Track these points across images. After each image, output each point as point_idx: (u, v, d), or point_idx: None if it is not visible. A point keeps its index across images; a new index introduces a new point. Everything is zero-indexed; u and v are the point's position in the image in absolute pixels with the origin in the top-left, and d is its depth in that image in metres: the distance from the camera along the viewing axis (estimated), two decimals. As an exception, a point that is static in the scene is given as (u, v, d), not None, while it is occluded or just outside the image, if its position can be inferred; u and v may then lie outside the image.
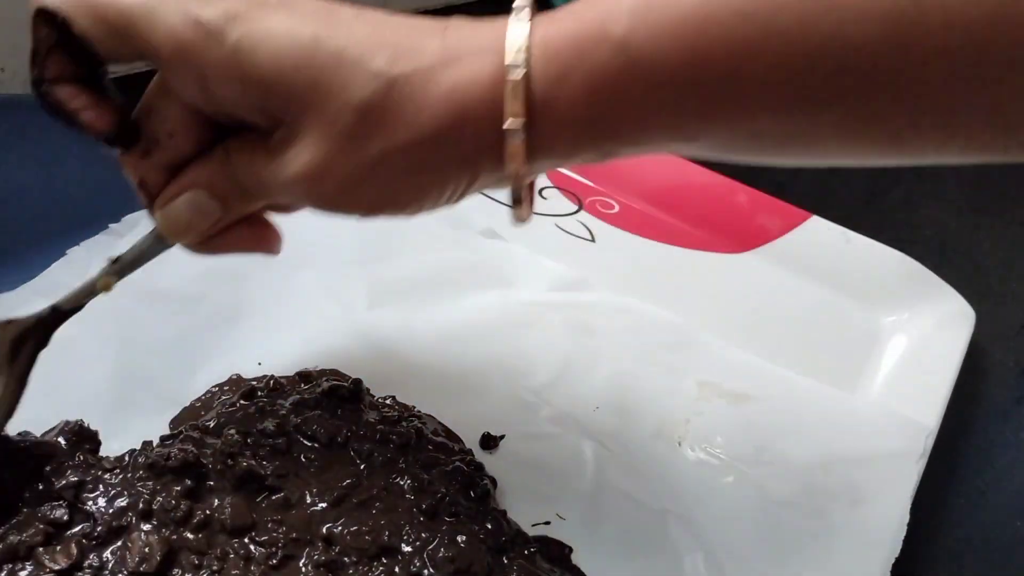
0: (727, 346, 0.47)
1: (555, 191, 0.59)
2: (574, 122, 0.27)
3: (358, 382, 0.39)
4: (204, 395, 0.39)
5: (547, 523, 0.38)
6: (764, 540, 0.38)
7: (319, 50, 0.27)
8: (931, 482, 0.46)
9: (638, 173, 0.60)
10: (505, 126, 0.26)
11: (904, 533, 0.38)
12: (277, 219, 0.34)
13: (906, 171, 0.76)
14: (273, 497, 0.34)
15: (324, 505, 0.35)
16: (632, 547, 0.37)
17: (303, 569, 0.33)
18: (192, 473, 0.34)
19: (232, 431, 0.36)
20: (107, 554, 0.32)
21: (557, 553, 0.36)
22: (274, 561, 0.33)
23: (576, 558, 0.37)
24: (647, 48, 0.26)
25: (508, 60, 0.26)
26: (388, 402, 0.40)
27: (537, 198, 0.58)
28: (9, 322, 0.32)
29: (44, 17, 0.28)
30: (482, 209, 0.52)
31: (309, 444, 0.37)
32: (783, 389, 0.45)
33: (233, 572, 0.32)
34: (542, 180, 0.60)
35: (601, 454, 0.40)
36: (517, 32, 0.27)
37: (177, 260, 0.34)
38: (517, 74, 0.26)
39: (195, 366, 0.41)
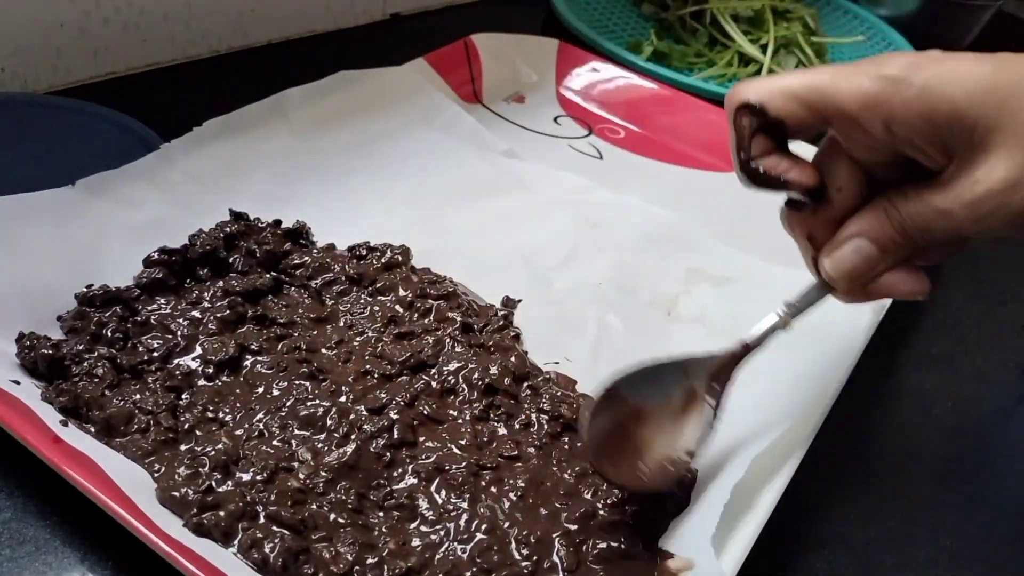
0: (714, 243, 0.59)
1: (568, 119, 0.73)
2: None
3: (406, 250, 0.54)
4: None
5: (556, 363, 0.49)
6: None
7: (1001, 79, 0.33)
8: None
9: (643, 106, 0.75)
10: None
11: (855, 361, 0.48)
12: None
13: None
14: (340, 324, 0.48)
15: (372, 331, 0.48)
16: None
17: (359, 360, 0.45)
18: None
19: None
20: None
21: (566, 383, 0.48)
22: (339, 363, 0.45)
23: (580, 388, 0.48)
24: None
25: None
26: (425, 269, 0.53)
27: (553, 124, 0.72)
28: (710, 356, 0.41)
29: (746, 108, 0.37)
30: (503, 134, 0.67)
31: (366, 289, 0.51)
32: (761, 273, 0.56)
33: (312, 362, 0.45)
34: (556, 109, 0.74)
35: (603, 317, 0.52)
36: None
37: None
38: None
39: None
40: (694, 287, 0.55)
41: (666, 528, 0.40)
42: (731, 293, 0.55)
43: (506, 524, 0.39)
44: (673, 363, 0.41)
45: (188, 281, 0.48)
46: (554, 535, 0.38)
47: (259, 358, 0.45)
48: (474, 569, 0.37)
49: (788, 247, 0.58)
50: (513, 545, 0.38)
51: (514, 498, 0.40)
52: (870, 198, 0.38)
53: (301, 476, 0.38)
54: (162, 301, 0.47)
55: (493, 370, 0.46)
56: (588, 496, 0.41)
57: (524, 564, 0.37)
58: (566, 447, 0.43)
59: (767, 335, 0.41)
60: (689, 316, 0.53)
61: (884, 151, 0.36)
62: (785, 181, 0.37)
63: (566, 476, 0.41)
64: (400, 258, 0.53)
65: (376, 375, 0.45)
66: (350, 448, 0.40)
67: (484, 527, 0.38)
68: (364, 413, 0.42)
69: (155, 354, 0.43)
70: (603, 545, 0.38)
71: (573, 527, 0.39)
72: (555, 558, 0.38)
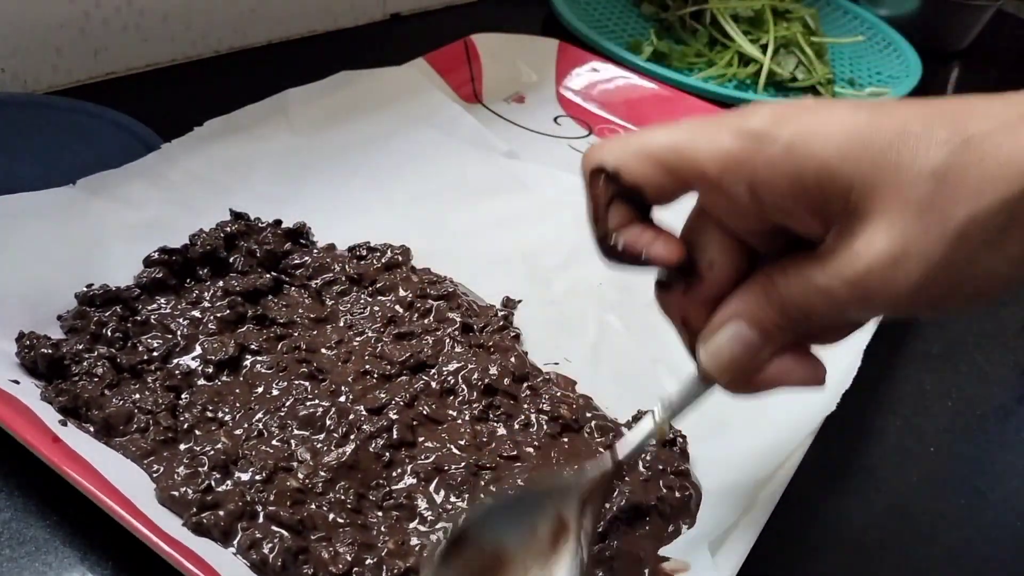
0: None
1: (568, 119, 0.74)
2: None
3: (406, 250, 0.54)
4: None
5: (556, 363, 0.49)
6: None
7: (877, 130, 0.28)
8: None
9: (643, 106, 0.75)
10: None
11: (853, 375, 0.46)
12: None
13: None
14: (340, 324, 0.48)
15: (372, 331, 0.48)
16: (626, 384, 0.47)
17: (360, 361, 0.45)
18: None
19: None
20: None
21: (566, 383, 0.48)
22: (339, 363, 0.46)
23: (580, 388, 0.48)
24: None
25: None
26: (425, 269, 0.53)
27: (553, 124, 0.72)
28: (576, 475, 0.35)
29: (598, 174, 0.32)
30: (503, 135, 0.67)
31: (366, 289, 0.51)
32: None
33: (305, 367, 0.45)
34: (556, 109, 0.74)
35: (603, 317, 0.52)
36: None
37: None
38: None
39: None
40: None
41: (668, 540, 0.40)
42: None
43: None
44: (533, 492, 0.36)
45: (188, 281, 0.48)
46: None
47: (259, 358, 0.45)
48: None
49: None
50: None
51: None
52: (750, 273, 0.33)
53: (300, 476, 0.38)
54: (162, 301, 0.47)
55: (493, 370, 0.46)
56: None
57: None
58: (566, 447, 0.43)
59: (642, 445, 0.35)
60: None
61: (754, 219, 0.31)
62: (647, 258, 0.32)
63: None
64: (400, 258, 0.53)
65: (376, 375, 0.45)
66: (349, 448, 0.40)
67: None
68: (364, 413, 0.42)
69: (155, 354, 0.43)
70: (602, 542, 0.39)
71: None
72: None
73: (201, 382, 0.43)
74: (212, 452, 0.39)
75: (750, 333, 0.32)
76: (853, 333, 0.34)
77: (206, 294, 0.48)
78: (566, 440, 0.44)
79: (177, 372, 0.43)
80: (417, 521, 0.39)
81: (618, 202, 0.32)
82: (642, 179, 0.31)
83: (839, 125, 0.28)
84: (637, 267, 0.33)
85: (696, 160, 0.30)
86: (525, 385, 0.46)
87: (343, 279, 0.50)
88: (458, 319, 0.49)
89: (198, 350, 0.44)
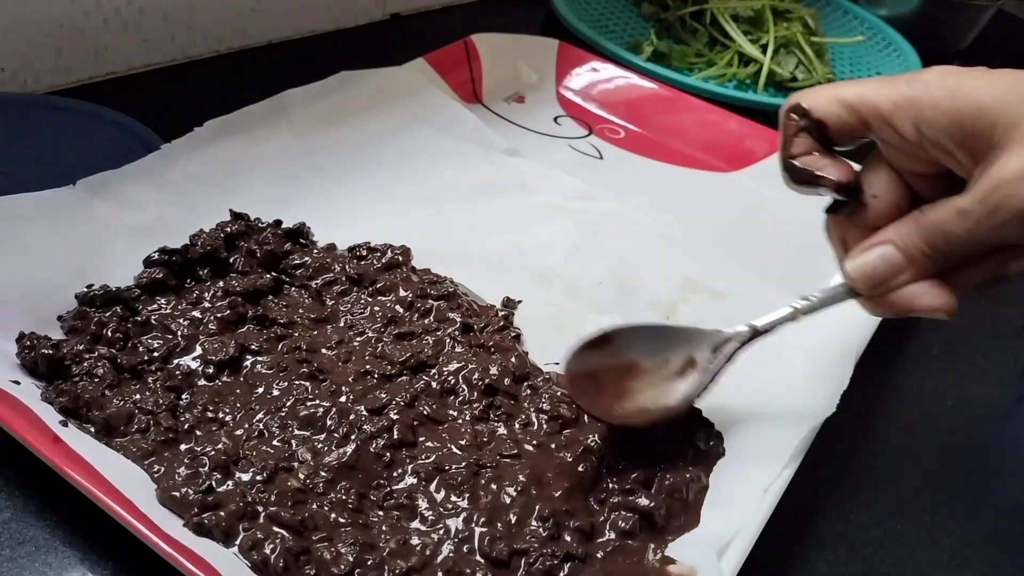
0: (714, 253, 0.59)
1: (568, 119, 0.74)
2: None
3: (407, 250, 0.54)
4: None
5: (556, 363, 0.48)
6: (734, 380, 0.45)
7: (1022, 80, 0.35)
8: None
9: (643, 106, 0.75)
10: None
11: (851, 372, 0.47)
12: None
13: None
14: (340, 324, 0.48)
15: (372, 331, 0.48)
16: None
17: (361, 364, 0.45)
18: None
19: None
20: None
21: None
22: (340, 364, 0.45)
23: None
24: None
25: None
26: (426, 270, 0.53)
27: (553, 124, 0.72)
28: (716, 332, 0.43)
29: (793, 109, 0.40)
30: (503, 135, 0.67)
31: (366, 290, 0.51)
32: (758, 293, 0.55)
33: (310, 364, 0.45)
34: (556, 109, 0.75)
35: (603, 317, 0.52)
36: None
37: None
38: None
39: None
40: (693, 296, 0.55)
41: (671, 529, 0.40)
42: (729, 307, 0.55)
43: (506, 515, 0.39)
44: (679, 330, 0.44)
45: (188, 281, 0.48)
46: (561, 509, 0.39)
47: (259, 358, 0.45)
48: (476, 557, 0.37)
49: (785, 248, 0.59)
50: (515, 525, 0.38)
51: (514, 493, 0.40)
52: (909, 210, 0.39)
53: (301, 476, 0.38)
54: (162, 301, 0.47)
55: (493, 370, 0.46)
56: (589, 485, 0.41)
57: (531, 539, 0.38)
58: (563, 441, 0.43)
59: (777, 324, 0.42)
60: (688, 322, 0.52)
61: (918, 157, 0.38)
62: (819, 176, 0.39)
63: (567, 460, 0.42)
64: (400, 258, 0.53)
65: (376, 375, 0.45)
66: (350, 448, 0.40)
67: (483, 520, 0.39)
68: (364, 413, 0.42)
69: (155, 354, 0.43)
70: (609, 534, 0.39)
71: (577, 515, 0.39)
72: (565, 537, 0.38)
73: (201, 382, 0.43)
74: (213, 452, 0.39)
75: (896, 254, 0.38)
76: (993, 283, 0.39)
77: (206, 294, 0.48)
78: (564, 437, 0.44)
79: (178, 372, 0.43)
80: (418, 521, 0.39)
81: (804, 135, 0.39)
82: (828, 115, 0.39)
83: (997, 79, 0.35)
84: (813, 188, 0.40)
85: (874, 100, 0.37)
86: (525, 385, 0.46)
87: (343, 279, 0.50)
88: (458, 319, 0.49)
89: (198, 350, 0.44)
